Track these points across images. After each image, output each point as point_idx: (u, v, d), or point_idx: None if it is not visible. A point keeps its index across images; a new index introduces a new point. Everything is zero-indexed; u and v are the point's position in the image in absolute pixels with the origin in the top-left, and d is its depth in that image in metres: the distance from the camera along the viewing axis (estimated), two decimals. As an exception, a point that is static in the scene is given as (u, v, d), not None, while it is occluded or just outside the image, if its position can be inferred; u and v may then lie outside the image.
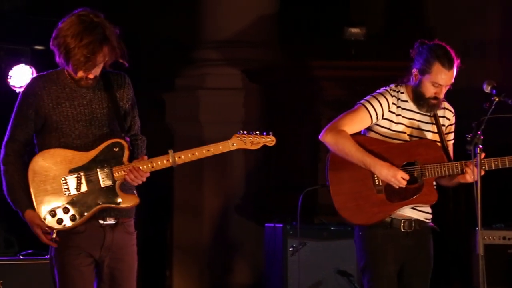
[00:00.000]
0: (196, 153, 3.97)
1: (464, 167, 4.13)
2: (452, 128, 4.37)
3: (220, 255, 7.48)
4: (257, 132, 4.01)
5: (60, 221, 3.78)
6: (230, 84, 7.57)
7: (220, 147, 3.97)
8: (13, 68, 6.50)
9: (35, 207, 3.78)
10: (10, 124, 3.86)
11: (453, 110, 4.38)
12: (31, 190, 3.78)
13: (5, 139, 3.86)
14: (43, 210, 3.78)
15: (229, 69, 7.56)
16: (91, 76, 3.82)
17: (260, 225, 7.01)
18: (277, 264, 6.35)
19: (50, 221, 3.78)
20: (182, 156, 3.95)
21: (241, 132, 4.01)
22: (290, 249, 6.23)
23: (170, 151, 3.93)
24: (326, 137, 4.23)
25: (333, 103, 6.87)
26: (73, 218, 3.79)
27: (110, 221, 3.89)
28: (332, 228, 6.31)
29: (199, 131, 7.59)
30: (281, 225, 6.37)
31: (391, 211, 4.15)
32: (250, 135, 4.00)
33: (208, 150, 3.97)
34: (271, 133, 4.02)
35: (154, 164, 3.90)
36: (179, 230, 7.74)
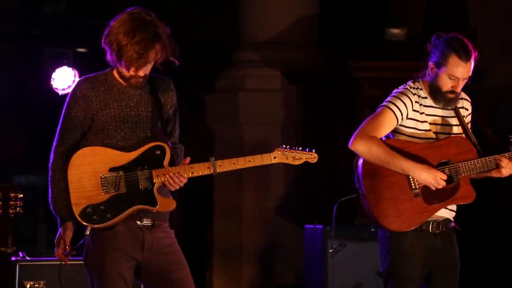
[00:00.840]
0: (237, 162, 4.01)
1: (498, 161, 4.04)
2: (469, 118, 4.25)
3: (259, 257, 7.49)
4: (300, 148, 4.06)
5: (95, 219, 3.76)
6: (270, 86, 7.58)
7: (262, 160, 4.02)
8: (56, 71, 6.58)
9: (71, 201, 3.77)
10: (59, 127, 3.86)
11: (469, 99, 4.26)
12: (69, 185, 3.77)
13: (54, 143, 3.85)
14: (79, 206, 3.77)
15: (269, 71, 7.57)
16: (142, 73, 3.83)
17: (300, 226, 7.01)
18: (317, 265, 6.34)
19: (85, 218, 3.76)
20: (223, 165, 3.97)
21: (283, 146, 4.06)
22: (330, 251, 6.22)
23: (212, 159, 3.94)
24: (358, 146, 4.14)
25: (373, 104, 6.80)
26: (108, 217, 3.78)
27: (147, 222, 3.88)
28: (372, 230, 6.27)
29: (239, 132, 7.62)
30: (321, 226, 6.36)
31: (430, 214, 4.06)
32: (292, 150, 4.05)
33: (249, 161, 4.02)
34: (313, 150, 4.09)
35: (194, 171, 3.89)
36: (219, 231, 7.76)
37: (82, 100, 3.83)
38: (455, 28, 7.37)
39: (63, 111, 3.85)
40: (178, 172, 3.84)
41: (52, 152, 3.84)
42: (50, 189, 3.83)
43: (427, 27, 8.02)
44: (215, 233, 7.80)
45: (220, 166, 3.96)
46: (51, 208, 3.85)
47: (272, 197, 7.52)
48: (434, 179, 3.98)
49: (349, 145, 4.15)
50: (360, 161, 4.15)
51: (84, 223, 3.77)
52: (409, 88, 4.20)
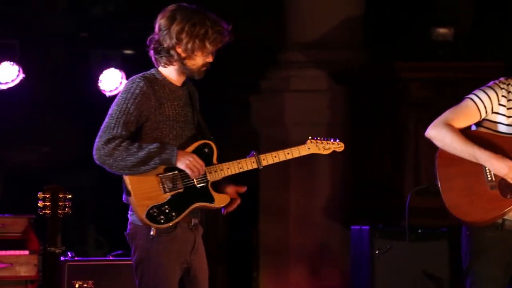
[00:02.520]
0: (279, 155, 4.08)
1: None
2: None
3: (306, 257, 7.47)
4: (328, 138, 4.17)
5: (162, 219, 3.77)
6: (315, 86, 7.56)
7: (299, 151, 4.11)
8: (103, 72, 6.64)
9: (136, 204, 3.76)
10: (107, 122, 3.77)
11: None
12: (131, 187, 3.76)
13: (103, 137, 3.75)
14: (144, 208, 3.76)
15: (315, 71, 7.55)
16: (211, 59, 3.96)
17: (346, 227, 6.98)
18: (364, 266, 6.32)
19: (152, 220, 3.76)
20: (266, 158, 4.06)
21: (315, 137, 4.15)
22: (377, 252, 6.19)
23: (255, 153, 3.99)
24: (430, 132, 4.03)
25: (419, 104, 6.79)
26: (173, 216, 3.79)
27: (196, 221, 3.91)
28: (419, 231, 6.23)
29: (284, 133, 7.61)
30: (367, 227, 6.33)
31: (505, 208, 3.90)
32: (322, 141, 4.15)
33: (288, 153, 4.10)
34: (337, 140, 4.19)
35: (241, 165, 3.95)
36: (265, 232, 7.76)
37: (140, 98, 3.80)
38: (502, 27, 7.31)
39: (116, 107, 3.78)
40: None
41: (103, 144, 3.73)
42: (125, 158, 3.72)
43: (475, 26, 7.93)
44: (261, 233, 7.80)
45: (264, 159, 4.05)
46: (151, 165, 3.74)
47: (318, 198, 7.50)
48: (510, 169, 3.87)
49: (425, 133, 4.08)
50: (437, 152, 4.06)
51: (152, 225, 3.76)
52: (498, 82, 4.05)
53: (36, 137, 7.19)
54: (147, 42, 3.95)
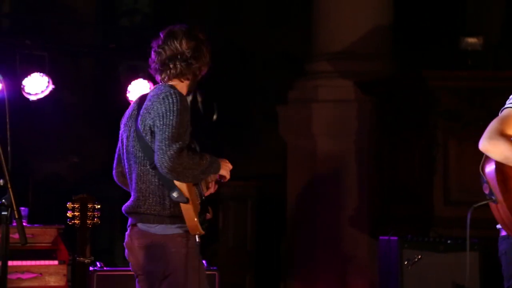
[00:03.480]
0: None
1: None
2: None
3: (334, 268, 7.44)
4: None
5: (205, 226, 3.95)
6: (343, 96, 7.54)
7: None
8: (131, 83, 6.66)
9: (194, 211, 3.92)
10: (172, 133, 3.81)
11: None
12: (192, 198, 3.96)
13: (173, 147, 3.80)
14: (197, 216, 3.93)
15: (342, 81, 7.54)
16: None
17: (374, 237, 6.95)
18: (392, 277, 6.27)
19: (202, 227, 3.94)
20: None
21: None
22: (406, 262, 6.14)
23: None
24: (483, 146, 3.92)
25: (448, 114, 6.75)
26: (206, 224, 3.99)
27: None
28: (448, 242, 6.18)
29: (311, 144, 7.60)
30: (395, 238, 6.29)
31: None
32: None
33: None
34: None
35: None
36: (293, 242, 7.75)
37: (188, 110, 3.92)
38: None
39: (174, 117, 3.83)
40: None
41: (178, 152, 3.80)
42: (196, 168, 3.87)
43: (504, 36, 7.88)
44: (289, 244, 7.79)
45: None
46: (207, 174, 3.98)
47: (346, 208, 7.48)
48: None
49: (479, 146, 3.99)
50: (491, 166, 3.97)
51: (202, 232, 3.93)
52: None
53: (65, 147, 7.23)
54: (161, 57, 4.07)
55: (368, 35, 7.52)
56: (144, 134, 3.89)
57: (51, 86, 6.25)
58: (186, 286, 3.94)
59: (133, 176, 3.99)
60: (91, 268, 5.63)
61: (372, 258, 7.09)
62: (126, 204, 4.06)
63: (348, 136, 7.51)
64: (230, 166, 4.06)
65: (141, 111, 3.94)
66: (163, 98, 3.87)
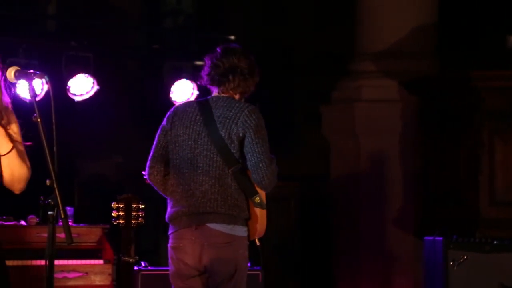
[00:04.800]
0: None
1: None
2: None
3: (378, 269, 7.40)
4: None
5: None
6: (387, 96, 7.49)
7: None
8: (175, 84, 6.69)
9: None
10: (267, 147, 4.19)
11: None
12: None
13: (273, 162, 4.20)
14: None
15: (386, 81, 7.49)
16: None
17: (419, 238, 6.90)
18: (438, 278, 6.22)
19: None
20: None
21: None
22: (451, 263, 6.09)
23: None
24: None
25: (494, 114, 6.68)
26: None
27: None
28: (495, 242, 6.11)
29: (355, 144, 7.56)
30: (441, 238, 6.23)
31: None
32: None
33: None
34: None
35: None
36: (337, 242, 7.72)
37: None
38: None
39: (264, 132, 4.20)
40: None
41: (274, 167, 4.22)
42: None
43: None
44: (333, 243, 7.76)
45: None
46: None
47: (390, 209, 7.43)
48: None
49: None
50: None
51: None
52: None
53: (110, 148, 7.29)
54: (219, 69, 4.26)
55: (412, 34, 7.46)
56: (228, 142, 4.10)
57: (96, 87, 6.31)
58: (244, 286, 4.20)
59: (204, 179, 4.14)
60: (135, 268, 5.67)
61: (417, 258, 7.03)
62: (189, 205, 4.14)
63: (392, 136, 7.46)
64: None
65: (219, 119, 4.13)
66: (248, 112, 4.14)
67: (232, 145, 4.10)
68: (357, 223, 7.51)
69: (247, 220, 4.17)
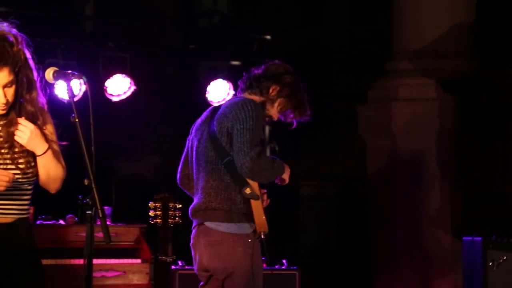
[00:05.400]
0: None
1: None
2: None
3: (416, 268, 7.35)
4: None
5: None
6: (424, 95, 7.44)
7: None
8: (210, 83, 6.70)
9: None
10: (251, 136, 4.12)
11: None
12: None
13: (255, 150, 4.11)
14: (263, 214, 4.29)
15: (423, 80, 7.44)
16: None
17: (457, 238, 6.84)
18: (476, 278, 6.16)
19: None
20: None
21: None
22: (490, 264, 6.03)
23: None
24: None
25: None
26: None
27: None
28: (534, 243, 6.04)
29: (392, 143, 7.52)
30: (480, 238, 6.17)
31: None
32: None
33: None
34: None
35: None
36: (374, 241, 7.68)
37: (262, 119, 4.31)
38: None
39: (253, 122, 4.15)
40: None
41: (256, 155, 4.10)
42: (269, 170, 4.17)
43: None
44: (371, 245, 7.72)
45: None
46: (276, 176, 4.26)
47: (428, 209, 7.37)
48: None
49: None
50: None
51: (267, 230, 4.26)
52: None
53: (146, 147, 7.33)
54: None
55: (449, 32, 7.40)
56: (219, 136, 4.15)
57: (133, 87, 6.34)
58: (251, 285, 4.11)
59: (202, 175, 4.23)
60: (173, 267, 5.69)
61: (455, 259, 6.98)
62: (194, 203, 4.26)
63: (430, 136, 7.41)
64: (289, 171, 4.33)
65: (217, 116, 4.21)
66: (241, 105, 4.16)
67: (223, 138, 4.16)
68: (394, 223, 7.47)
69: (245, 214, 4.16)
